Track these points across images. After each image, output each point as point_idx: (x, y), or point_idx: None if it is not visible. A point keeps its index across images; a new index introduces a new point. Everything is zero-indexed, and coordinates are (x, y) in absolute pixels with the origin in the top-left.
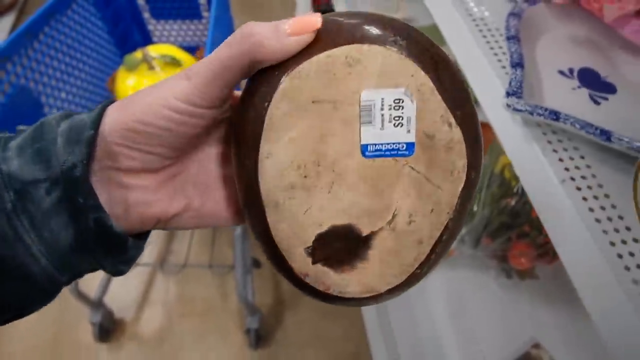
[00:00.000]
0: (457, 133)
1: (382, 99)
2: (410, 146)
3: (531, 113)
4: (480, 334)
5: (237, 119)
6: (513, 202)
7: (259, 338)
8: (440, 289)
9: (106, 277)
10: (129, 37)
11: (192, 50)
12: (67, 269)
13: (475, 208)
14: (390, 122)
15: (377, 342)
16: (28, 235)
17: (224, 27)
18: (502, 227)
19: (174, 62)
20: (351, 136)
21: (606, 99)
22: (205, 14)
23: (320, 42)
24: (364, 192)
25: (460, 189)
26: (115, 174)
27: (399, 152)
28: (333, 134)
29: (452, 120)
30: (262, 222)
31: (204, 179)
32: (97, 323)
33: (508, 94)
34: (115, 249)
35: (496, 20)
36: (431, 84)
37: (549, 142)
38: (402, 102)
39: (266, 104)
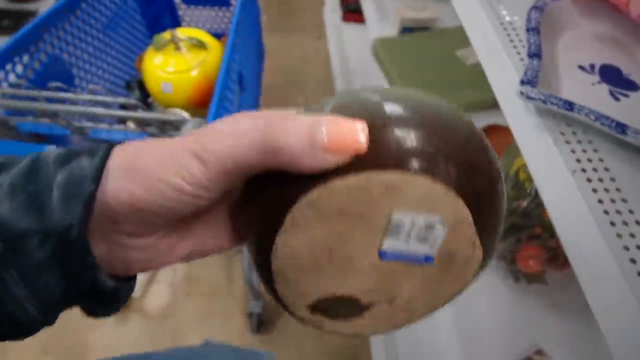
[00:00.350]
0: (478, 254)
1: (413, 221)
2: (428, 258)
3: (544, 102)
4: (483, 336)
5: (252, 200)
6: (525, 203)
7: (261, 323)
8: None
9: None
10: (160, 20)
11: (219, 36)
12: (56, 315)
13: None
14: (416, 239)
15: (376, 340)
16: (17, 286)
17: (250, 14)
18: (512, 228)
19: (200, 45)
20: (372, 242)
21: (627, 95)
22: (233, 1)
23: (359, 156)
24: (372, 280)
25: (463, 285)
26: (116, 235)
27: (416, 260)
28: (353, 238)
29: (478, 243)
30: (269, 283)
31: (207, 218)
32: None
33: (522, 82)
34: (108, 300)
35: (521, 21)
36: (470, 219)
37: (562, 133)
38: (435, 228)
39: (289, 206)
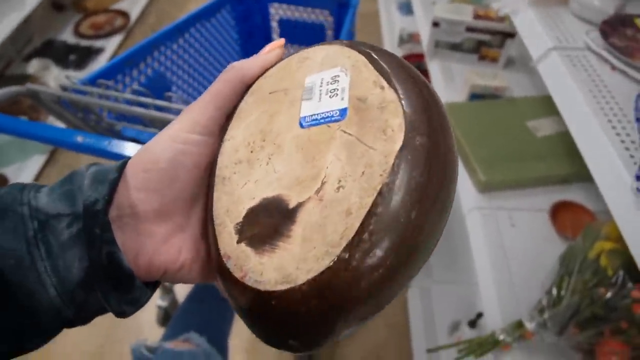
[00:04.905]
0: (390, 94)
1: (322, 78)
2: (343, 111)
3: None
4: None
5: None
6: (609, 294)
7: None
8: None
9: None
10: (255, 52)
11: None
12: (73, 304)
13: (562, 293)
14: (326, 94)
15: None
16: (42, 263)
17: None
18: (593, 318)
19: None
20: (294, 112)
21: None
22: None
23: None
24: (297, 161)
25: (396, 148)
26: (131, 220)
27: (332, 118)
28: (280, 113)
29: (385, 83)
30: (209, 199)
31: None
32: (163, 307)
33: (638, 178)
34: (123, 286)
35: (619, 101)
36: (365, 59)
37: None
38: (338, 77)
39: (239, 102)
